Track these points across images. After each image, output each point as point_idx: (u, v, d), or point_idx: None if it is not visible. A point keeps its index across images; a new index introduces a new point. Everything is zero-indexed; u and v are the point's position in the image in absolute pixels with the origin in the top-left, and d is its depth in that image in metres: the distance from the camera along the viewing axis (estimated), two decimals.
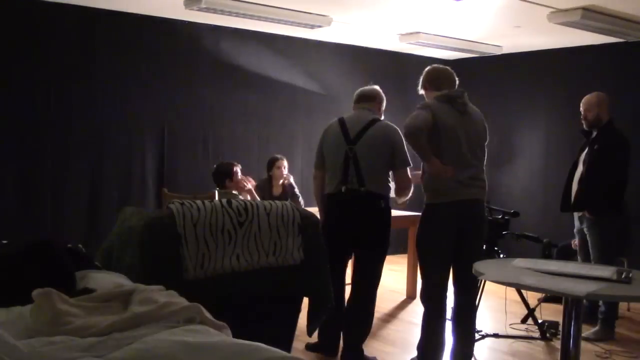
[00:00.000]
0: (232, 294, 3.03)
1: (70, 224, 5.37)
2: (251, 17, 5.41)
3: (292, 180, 5.52)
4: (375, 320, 4.89)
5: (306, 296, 3.52)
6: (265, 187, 5.39)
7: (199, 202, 3.10)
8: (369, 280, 3.87)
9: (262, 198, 5.28)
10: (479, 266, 3.02)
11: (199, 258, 2.97)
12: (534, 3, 4.95)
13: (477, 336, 4.02)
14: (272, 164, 5.43)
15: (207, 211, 3.04)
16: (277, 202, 3.35)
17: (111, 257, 3.06)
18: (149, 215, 3.14)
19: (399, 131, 3.73)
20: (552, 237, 6.88)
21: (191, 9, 5.19)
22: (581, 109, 4.55)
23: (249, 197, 4.72)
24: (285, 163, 5.43)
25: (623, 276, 2.77)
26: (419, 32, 6.25)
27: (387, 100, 7.83)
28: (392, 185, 3.84)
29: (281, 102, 6.75)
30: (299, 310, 3.49)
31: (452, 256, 3.48)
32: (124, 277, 2.60)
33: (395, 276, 6.47)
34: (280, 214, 3.24)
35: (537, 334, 4.52)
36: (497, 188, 7.51)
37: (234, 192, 4.67)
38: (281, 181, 5.43)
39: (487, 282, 3.47)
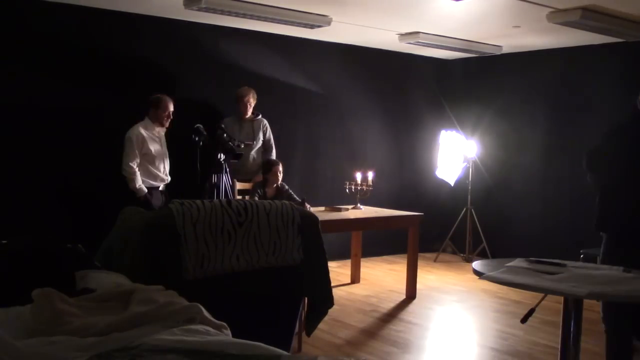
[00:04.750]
0: (232, 294, 3.03)
1: (71, 223, 5.37)
2: (251, 17, 5.41)
3: (289, 189, 5.56)
4: (375, 320, 4.91)
5: (306, 296, 3.52)
6: (260, 189, 5.43)
7: (198, 202, 3.10)
8: None
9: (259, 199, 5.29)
10: (478, 266, 3.02)
11: (198, 258, 2.97)
12: (533, 3, 4.95)
13: None
14: (269, 169, 5.45)
15: (207, 211, 3.04)
16: (276, 202, 3.35)
17: (111, 257, 3.06)
18: (149, 215, 3.14)
19: None
20: (551, 237, 6.92)
21: (191, 9, 5.19)
22: None
23: None
24: (280, 168, 5.45)
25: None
26: (418, 32, 6.25)
27: (386, 100, 7.83)
28: None
29: (281, 102, 6.74)
30: (298, 310, 3.49)
31: None
32: (124, 277, 2.60)
33: (395, 276, 6.47)
34: (279, 213, 3.24)
35: None
36: (497, 188, 7.52)
37: None
38: (275, 184, 5.47)
39: (487, 282, 3.46)
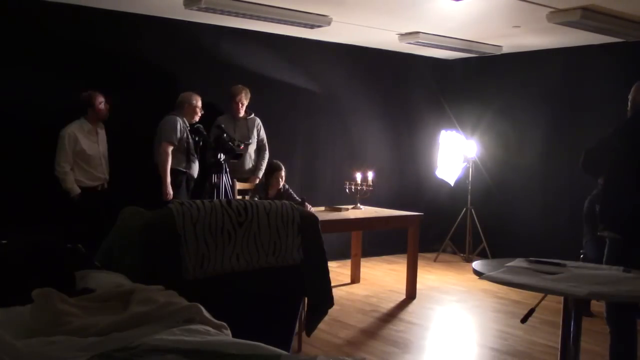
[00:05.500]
0: (232, 294, 3.03)
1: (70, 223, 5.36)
2: (251, 17, 5.41)
3: (289, 189, 5.56)
4: (375, 320, 4.91)
5: (306, 296, 3.52)
6: (262, 190, 5.44)
7: (198, 202, 3.10)
8: None
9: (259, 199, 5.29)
10: (478, 266, 3.02)
11: (198, 258, 2.97)
12: (533, 3, 4.95)
13: None
14: (272, 173, 5.45)
15: (207, 211, 3.04)
16: (276, 201, 3.35)
17: (111, 257, 3.06)
18: (148, 215, 3.14)
19: None
20: (551, 237, 6.92)
21: (191, 8, 5.19)
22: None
23: None
24: (283, 173, 5.45)
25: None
26: (418, 32, 6.25)
27: (386, 100, 7.81)
28: None
29: (281, 102, 6.74)
30: (298, 310, 3.49)
31: None
32: (124, 277, 2.60)
33: (395, 276, 6.47)
34: (279, 213, 3.24)
35: None
36: (497, 188, 7.52)
37: None
38: (276, 187, 5.47)
39: (487, 282, 3.46)
